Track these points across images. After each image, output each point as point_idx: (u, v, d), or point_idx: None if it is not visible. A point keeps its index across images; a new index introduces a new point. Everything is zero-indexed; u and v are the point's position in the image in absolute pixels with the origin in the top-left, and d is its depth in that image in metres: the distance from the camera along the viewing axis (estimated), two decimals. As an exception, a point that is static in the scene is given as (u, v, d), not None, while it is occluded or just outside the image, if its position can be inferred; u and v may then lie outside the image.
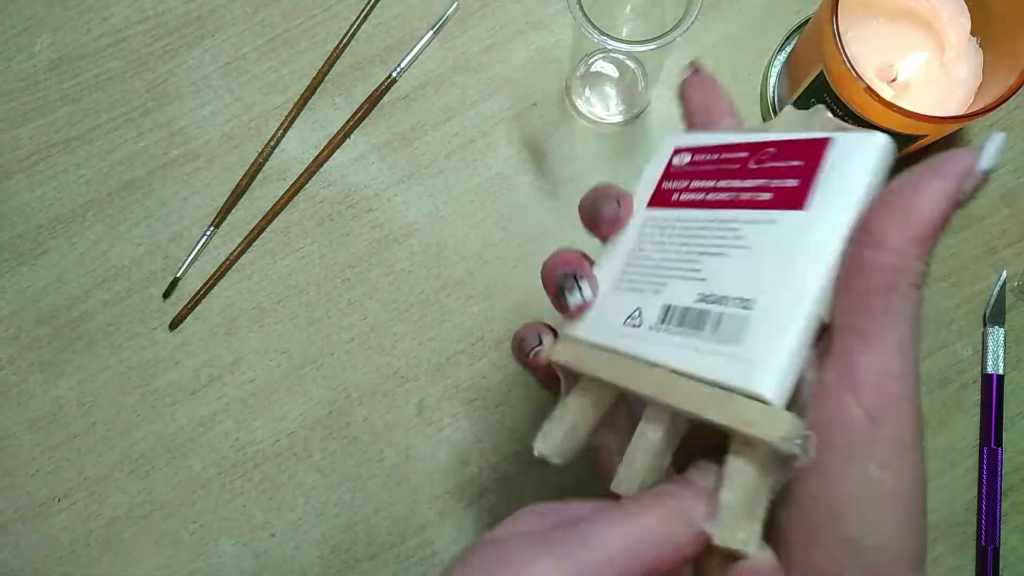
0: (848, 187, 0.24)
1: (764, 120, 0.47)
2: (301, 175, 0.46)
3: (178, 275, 0.46)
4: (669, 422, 0.25)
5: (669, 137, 0.30)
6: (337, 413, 0.45)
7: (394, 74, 0.47)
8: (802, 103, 0.43)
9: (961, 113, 0.39)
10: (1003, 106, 0.36)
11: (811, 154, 0.25)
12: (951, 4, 0.40)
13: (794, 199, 0.25)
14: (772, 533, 0.24)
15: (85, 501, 0.44)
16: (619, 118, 0.47)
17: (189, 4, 0.48)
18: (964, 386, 0.44)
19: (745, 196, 0.26)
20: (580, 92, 0.47)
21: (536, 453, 0.27)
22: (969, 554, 0.43)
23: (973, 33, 0.40)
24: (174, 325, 0.45)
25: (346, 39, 0.48)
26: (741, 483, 0.23)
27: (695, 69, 0.31)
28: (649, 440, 0.25)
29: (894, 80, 0.41)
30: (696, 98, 0.31)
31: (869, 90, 0.36)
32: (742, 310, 0.24)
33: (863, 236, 0.23)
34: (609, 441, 0.28)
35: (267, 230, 0.46)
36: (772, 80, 0.46)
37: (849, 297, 0.23)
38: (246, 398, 0.45)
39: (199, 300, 0.45)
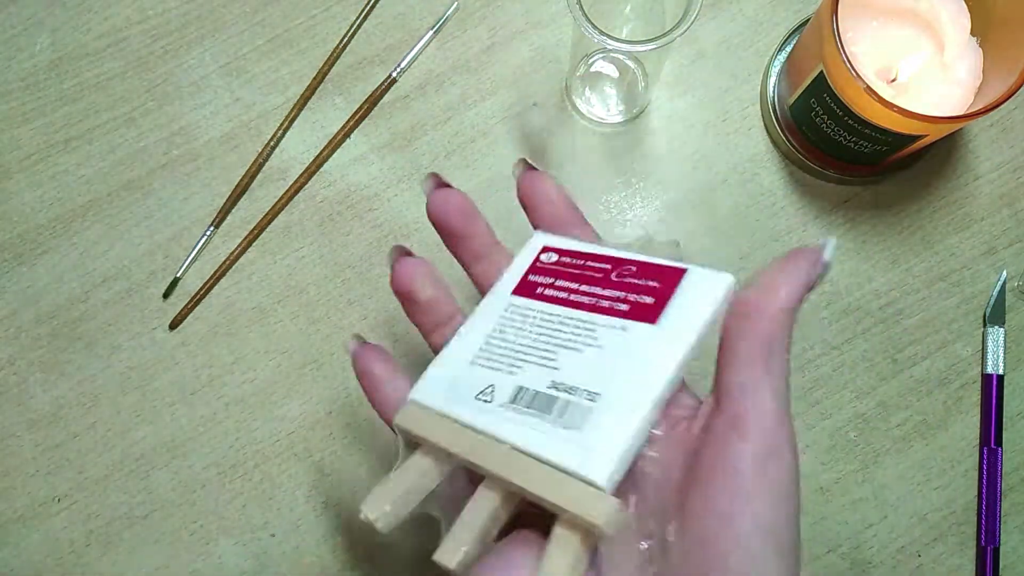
0: (695, 311, 0.28)
1: (763, 116, 0.47)
2: (301, 175, 0.46)
3: (178, 275, 0.46)
4: (503, 497, 0.27)
5: (540, 235, 0.33)
6: (337, 413, 0.45)
7: (394, 74, 0.47)
8: (802, 103, 0.43)
9: (961, 113, 0.39)
10: (1003, 106, 0.36)
11: (668, 279, 0.29)
12: (951, 4, 0.40)
13: (648, 314, 0.28)
14: (663, 572, 0.25)
15: (85, 501, 0.44)
16: (619, 118, 0.47)
17: (189, 4, 0.48)
18: (964, 386, 0.44)
19: (604, 303, 0.29)
20: (580, 92, 0.47)
21: (363, 517, 0.27)
22: (969, 554, 0.43)
23: (973, 33, 0.40)
24: (174, 325, 0.45)
25: (346, 39, 0.48)
26: (565, 555, 0.25)
27: (525, 167, 0.33)
28: (479, 514, 0.27)
29: (894, 80, 0.41)
30: (538, 203, 0.33)
31: (869, 90, 0.36)
32: (587, 400, 0.27)
33: (741, 309, 0.27)
34: (441, 511, 0.29)
35: (267, 230, 0.46)
36: (772, 80, 0.46)
37: (734, 361, 0.26)
38: (246, 398, 0.45)
39: (199, 300, 0.45)
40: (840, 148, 0.43)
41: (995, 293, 0.45)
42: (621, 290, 0.29)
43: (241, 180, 0.46)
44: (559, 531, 0.25)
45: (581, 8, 0.36)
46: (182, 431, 0.45)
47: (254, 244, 0.46)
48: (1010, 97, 0.36)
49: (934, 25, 0.41)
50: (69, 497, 0.44)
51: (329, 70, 0.47)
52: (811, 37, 0.41)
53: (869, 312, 0.45)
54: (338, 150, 0.47)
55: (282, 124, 0.47)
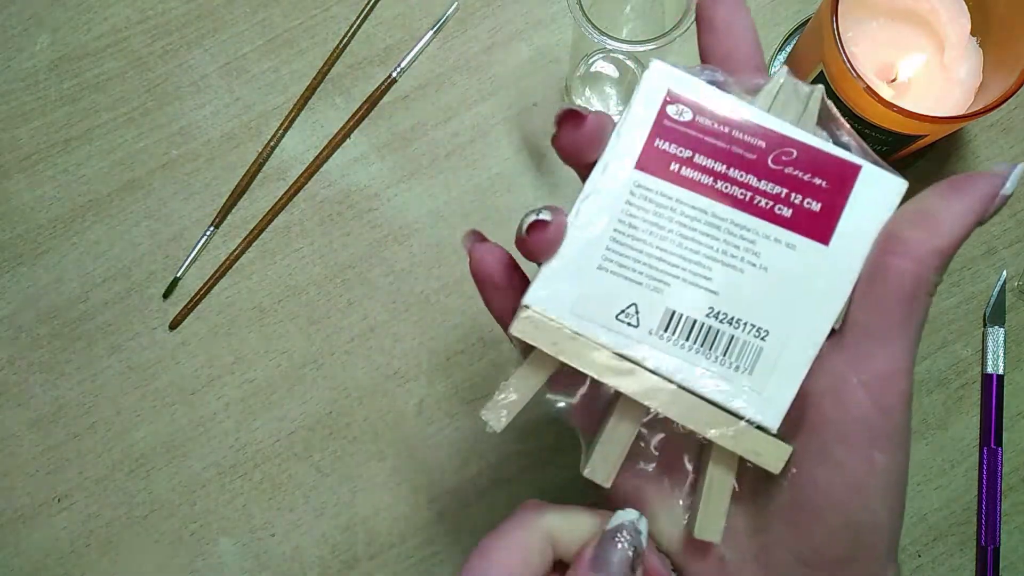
0: (868, 228, 0.25)
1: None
2: (301, 175, 0.46)
3: (178, 275, 0.46)
4: (640, 418, 0.26)
5: (658, 68, 0.25)
6: (337, 413, 0.45)
7: (394, 74, 0.47)
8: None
9: (961, 113, 0.39)
10: (1003, 106, 0.36)
11: (837, 179, 0.24)
12: (951, 4, 0.40)
13: (818, 228, 0.24)
14: (774, 514, 0.26)
15: (85, 501, 0.44)
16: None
17: (189, 4, 0.48)
18: (964, 386, 0.44)
19: (762, 202, 0.25)
20: (580, 92, 0.47)
21: (488, 424, 0.26)
22: (969, 554, 0.43)
23: (973, 33, 0.40)
24: (174, 325, 0.45)
25: (346, 39, 0.48)
26: (719, 492, 0.25)
27: None
28: (623, 435, 0.26)
29: (894, 80, 0.41)
30: (721, 28, 0.26)
31: (869, 90, 0.36)
32: (756, 339, 0.25)
33: (889, 244, 0.24)
34: (582, 416, 0.28)
35: (267, 230, 0.46)
36: (772, 80, 0.46)
37: (871, 300, 0.24)
38: (246, 398, 0.45)
39: (199, 300, 0.45)
40: (840, 148, 0.43)
41: (995, 293, 0.45)
42: (781, 184, 0.25)
43: (241, 180, 0.46)
44: (716, 468, 0.25)
45: (581, 8, 0.36)
46: (182, 431, 0.45)
47: (254, 244, 0.46)
48: (1010, 97, 0.36)
49: (934, 25, 0.41)
50: (69, 497, 0.44)
51: (329, 70, 0.47)
52: (811, 37, 0.41)
53: (869, 312, 0.45)
54: (338, 150, 0.47)
55: (282, 124, 0.47)
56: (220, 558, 0.44)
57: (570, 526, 0.27)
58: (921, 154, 0.45)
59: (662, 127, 0.25)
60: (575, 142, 0.25)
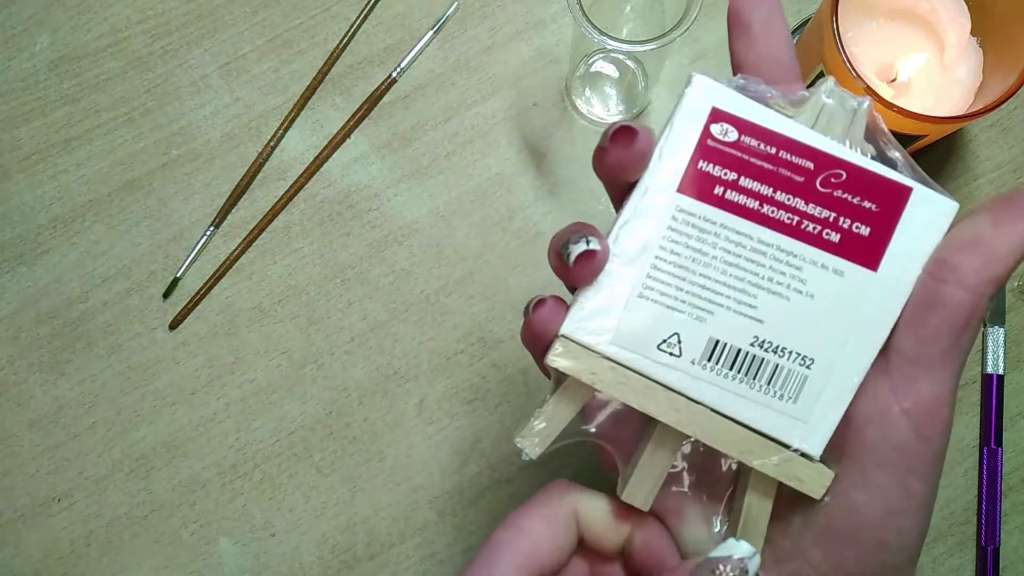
0: (918, 252, 0.24)
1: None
2: (301, 175, 0.46)
3: (178, 275, 0.46)
4: (679, 445, 0.26)
5: (702, 83, 0.24)
6: (337, 413, 0.45)
7: (394, 74, 0.47)
8: (802, 103, 0.42)
9: (961, 113, 0.39)
10: (1003, 106, 0.36)
11: (887, 202, 0.24)
12: (951, 4, 0.40)
13: (867, 254, 0.24)
14: (805, 533, 0.25)
15: (85, 501, 0.44)
16: (619, 118, 0.47)
17: (189, 4, 0.48)
18: (964, 386, 0.44)
19: (809, 227, 0.24)
20: (580, 92, 0.47)
21: (522, 449, 0.26)
22: (969, 554, 0.43)
23: (973, 33, 0.40)
24: (174, 325, 0.45)
25: (346, 39, 0.48)
26: (758, 516, 0.25)
27: None
28: (660, 460, 0.26)
29: (894, 80, 0.41)
30: (756, 25, 0.25)
31: (869, 90, 0.36)
32: (802, 367, 0.24)
33: (940, 271, 0.23)
34: (615, 438, 0.28)
35: (267, 230, 0.46)
36: (772, 80, 0.46)
37: (919, 328, 0.24)
38: (246, 398, 0.45)
39: (199, 300, 0.45)
40: (840, 148, 0.43)
41: (995, 293, 0.45)
42: (829, 208, 0.24)
43: (241, 180, 0.46)
44: (754, 493, 0.25)
45: (581, 8, 0.36)
46: (182, 431, 0.45)
47: (254, 244, 0.46)
48: (1010, 97, 0.36)
49: (934, 25, 0.41)
50: (69, 497, 0.44)
51: (329, 70, 0.47)
52: (811, 37, 0.41)
53: (869, 312, 0.45)
54: (338, 150, 0.47)
55: (282, 124, 0.47)
56: (220, 558, 0.44)
57: (594, 509, 0.27)
58: (921, 154, 0.45)
59: (706, 147, 0.24)
60: (622, 160, 0.23)
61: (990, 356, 0.44)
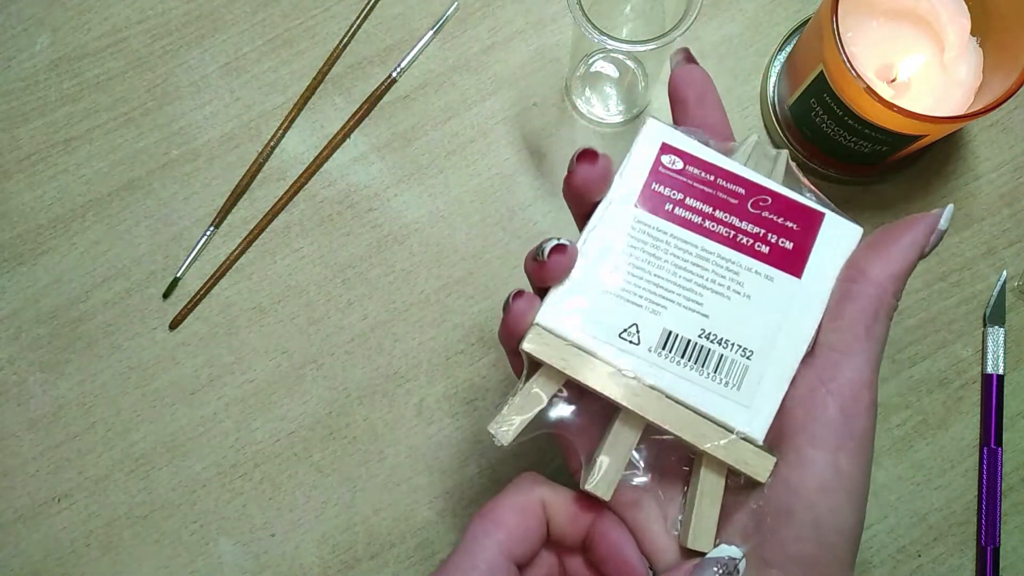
0: (831, 265, 0.29)
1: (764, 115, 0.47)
2: (301, 175, 0.46)
3: (178, 275, 0.46)
4: (639, 431, 0.28)
5: (654, 124, 0.30)
6: (337, 413, 0.45)
7: (394, 74, 0.47)
8: (802, 103, 0.43)
9: (961, 113, 0.39)
10: (1003, 106, 0.36)
11: (805, 224, 0.29)
12: (951, 4, 0.40)
13: (791, 264, 0.29)
14: (746, 515, 0.28)
15: (85, 501, 0.44)
16: (619, 118, 0.47)
17: (189, 4, 0.48)
18: (964, 386, 0.44)
19: (744, 240, 0.29)
20: (580, 92, 0.47)
21: (494, 436, 0.28)
22: (969, 554, 0.43)
23: (973, 33, 0.40)
24: (174, 325, 0.45)
25: (346, 39, 0.48)
26: (711, 499, 0.28)
27: (685, 56, 0.32)
28: (621, 449, 0.28)
29: (894, 80, 0.41)
30: (691, 100, 0.31)
31: (869, 90, 0.36)
32: (743, 358, 0.28)
33: (851, 273, 0.28)
34: (579, 432, 0.30)
35: (267, 230, 0.46)
36: (772, 80, 0.46)
37: (837, 320, 0.28)
38: (246, 398, 0.45)
39: (199, 300, 0.45)
40: (840, 148, 0.43)
41: (995, 293, 0.45)
42: (759, 225, 0.29)
43: (241, 180, 0.46)
44: (706, 479, 0.28)
45: (581, 8, 0.36)
46: (182, 431, 0.45)
47: (254, 244, 0.46)
48: (1010, 97, 0.36)
49: (934, 25, 0.41)
50: (69, 497, 0.44)
51: (329, 70, 0.47)
52: (811, 37, 0.41)
53: (869, 312, 0.45)
54: (338, 150, 0.47)
55: (282, 124, 0.47)
56: (220, 558, 0.44)
57: (559, 503, 0.30)
58: (921, 154, 0.46)
59: (658, 173, 0.29)
60: (587, 179, 0.28)
61: (990, 356, 0.44)
